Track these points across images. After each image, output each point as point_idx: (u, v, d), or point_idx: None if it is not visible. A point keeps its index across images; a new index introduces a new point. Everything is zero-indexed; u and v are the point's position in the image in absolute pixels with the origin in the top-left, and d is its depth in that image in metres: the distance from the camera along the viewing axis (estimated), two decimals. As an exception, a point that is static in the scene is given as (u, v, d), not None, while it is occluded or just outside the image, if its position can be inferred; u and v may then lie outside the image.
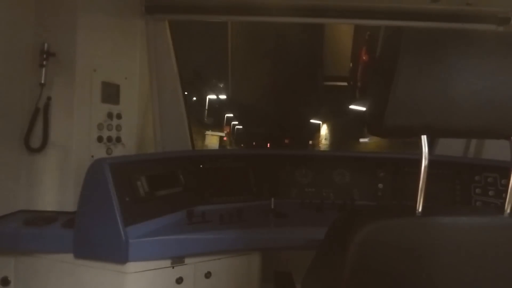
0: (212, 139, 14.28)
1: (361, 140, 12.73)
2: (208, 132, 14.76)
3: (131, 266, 1.14)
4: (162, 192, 1.37)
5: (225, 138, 15.95)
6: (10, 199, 1.28)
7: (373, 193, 1.74)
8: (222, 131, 16.12)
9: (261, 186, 1.71)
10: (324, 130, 16.61)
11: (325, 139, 16.17)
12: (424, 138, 0.65)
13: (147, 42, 1.69)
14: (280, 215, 1.47)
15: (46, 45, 1.28)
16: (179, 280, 1.20)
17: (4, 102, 1.22)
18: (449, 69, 0.61)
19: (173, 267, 1.20)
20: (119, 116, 1.49)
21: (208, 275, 1.25)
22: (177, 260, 1.20)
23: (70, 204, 1.31)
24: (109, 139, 1.45)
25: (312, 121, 16.57)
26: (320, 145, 16.41)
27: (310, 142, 17.07)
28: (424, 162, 0.65)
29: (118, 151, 1.49)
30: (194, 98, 13.74)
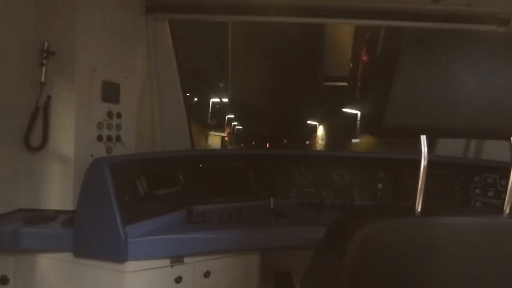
0: (214, 139, 14.94)
1: (353, 140, 13.23)
2: (211, 133, 15.39)
3: (130, 265, 1.14)
4: (162, 191, 1.37)
5: (226, 138, 16.34)
6: (10, 197, 1.28)
7: (372, 193, 1.74)
8: (223, 131, 16.56)
9: (261, 186, 1.71)
10: (320, 131, 16.88)
11: (321, 139, 16.45)
12: (423, 138, 0.65)
13: (147, 41, 1.69)
14: (280, 215, 1.47)
15: (46, 44, 1.28)
16: (178, 280, 1.20)
17: (4, 100, 1.22)
18: (449, 69, 0.62)
19: (172, 267, 1.20)
20: (119, 115, 1.49)
21: (207, 274, 1.25)
22: (176, 259, 1.20)
23: (69, 203, 1.31)
24: (109, 138, 1.45)
25: (309, 122, 16.82)
26: (316, 145, 16.69)
27: (307, 142, 17.27)
28: (423, 162, 0.65)
29: (117, 150, 1.49)
30: (200, 100, 14.25)
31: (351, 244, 0.63)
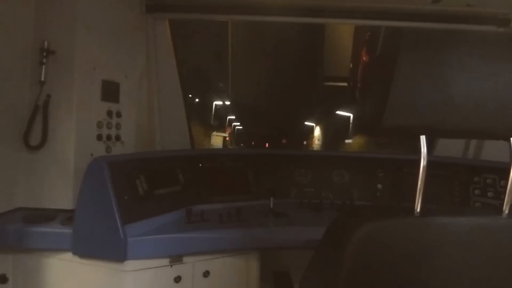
0: (216, 139, 15.60)
1: (346, 141, 13.70)
2: (215, 133, 15.93)
3: (130, 265, 1.14)
4: (161, 190, 1.37)
5: (227, 138, 16.69)
6: (9, 196, 1.28)
7: (372, 194, 1.74)
8: (225, 131, 16.96)
9: (260, 186, 1.71)
10: (317, 131, 17.15)
11: (318, 140, 16.70)
12: (423, 138, 0.65)
13: (147, 40, 1.69)
14: (279, 215, 1.47)
15: (46, 43, 1.28)
16: (177, 279, 1.20)
17: (3, 99, 1.22)
18: (449, 69, 0.62)
19: (171, 266, 1.20)
20: (118, 115, 1.49)
21: (206, 274, 1.25)
22: (176, 258, 1.20)
23: (69, 202, 1.31)
24: (109, 137, 1.45)
25: (306, 123, 17.15)
26: (313, 145, 16.94)
27: (305, 142, 17.47)
28: (422, 163, 0.65)
29: (117, 149, 1.49)
30: (203, 103, 14.95)
31: (350, 244, 0.63)
